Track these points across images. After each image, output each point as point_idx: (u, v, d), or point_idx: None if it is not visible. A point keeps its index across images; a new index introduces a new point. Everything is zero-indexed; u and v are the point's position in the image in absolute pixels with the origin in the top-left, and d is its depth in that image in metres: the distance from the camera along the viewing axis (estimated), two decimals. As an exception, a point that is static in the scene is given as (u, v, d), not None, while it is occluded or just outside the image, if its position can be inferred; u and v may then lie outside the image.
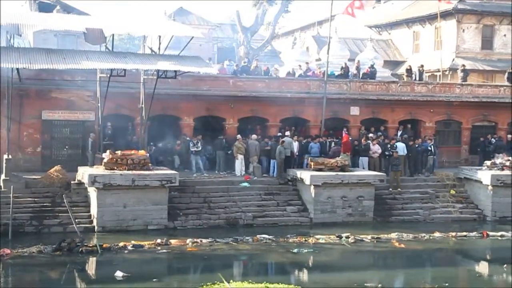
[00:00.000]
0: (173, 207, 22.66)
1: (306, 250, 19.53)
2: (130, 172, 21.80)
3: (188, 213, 22.78)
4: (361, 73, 31.12)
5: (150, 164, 22.80)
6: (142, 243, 19.46)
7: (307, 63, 31.73)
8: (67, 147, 25.54)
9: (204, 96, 26.88)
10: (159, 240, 19.70)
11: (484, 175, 25.08)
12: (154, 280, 16.20)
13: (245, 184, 24.71)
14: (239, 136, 26.12)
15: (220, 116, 27.79)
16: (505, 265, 18.43)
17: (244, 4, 41.62)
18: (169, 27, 26.42)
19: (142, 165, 22.35)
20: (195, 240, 20.06)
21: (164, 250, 19.14)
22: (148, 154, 23.35)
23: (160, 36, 24.97)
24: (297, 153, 26.19)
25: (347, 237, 21.00)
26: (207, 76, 26.80)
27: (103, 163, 22.36)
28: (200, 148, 25.89)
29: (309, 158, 25.37)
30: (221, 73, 28.70)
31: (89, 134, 24.76)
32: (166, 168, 23.51)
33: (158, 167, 23.59)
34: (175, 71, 23.53)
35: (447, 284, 16.22)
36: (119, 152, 22.61)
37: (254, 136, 26.28)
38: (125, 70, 22.68)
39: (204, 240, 20.11)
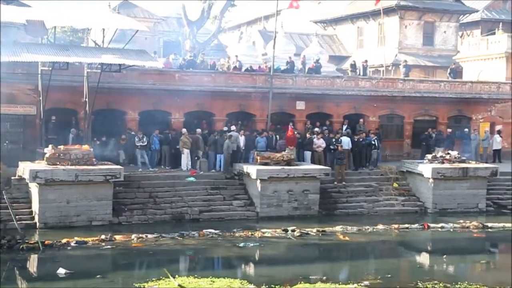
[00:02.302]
0: (118, 202, 22.36)
1: (252, 244, 19.60)
2: (73, 167, 21.36)
3: (133, 208, 22.53)
4: (306, 68, 31.41)
5: (94, 159, 22.42)
6: (85, 239, 19.14)
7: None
8: (7, 141, 24.84)
9: (150, 90, 26.60)
10: (103, 236, 19.41)
11: (425, 168, 25.66)
12: (98, 276, 15.94)
13: (191, 178, 24.61)
14: (184, 130, 25.97)
15: (166, 111, 27.56)
16: (444, 256, 18.98)
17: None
18: (113, 20, 26.01)
19: (86, 160, 21.96)
20: (140, 235, 19.84)
21: (109, 246, 18.88)
22: (92, 149, 22.94)
23: (104, 29, 24.55)
24: (243, 148, 26.25)
25: (293, 231, 21.16)
26: (153, 70, 26.57)
27: (45, 158, 21.88)
28: (145, 143, 25.62)
29: (256, 153, 25.47)
30: (166, 67, 28.44)
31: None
32: (110, 163, 23.14)
33: (103, 162, 23.21)
34: (120, 65, 23.21)
35: (389, 276, 16.54)
36: (61, 147, 22.16)
37: (198, 131, 26.18)
38: (67, 63, 22.22)
39: (149, 236, 19.92)
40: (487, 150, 31.14)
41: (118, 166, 22.72)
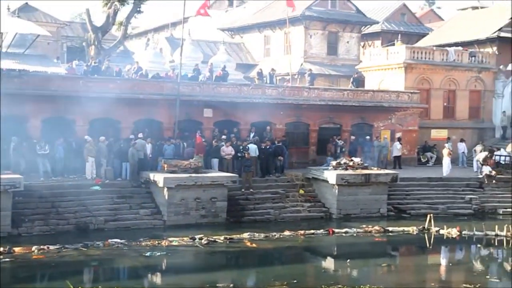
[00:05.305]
0: (18, 213, 21.51)
1: (159, 253, 19.38)
2: (-32, 177, 20.39)
3: (34, 219, 21.72)
4: (214, 76, 31.45)
5: (-9, 168, 21.44)
6: (-18, 252, 18.28)
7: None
8: None
9: (52, 96, 25.73)
10: (1, 249, 18.58)
11: (330, 175, 26.27)
12: (-4, 291, 15.29)
13: (96, 187, 24.04)
14: (89, 138, 25.31)
15: (70, 118, 26.74)
16: (348, 260, 19.50)
17: (95, 3, 40.46)
18: (12, 24, 25.09)
19: (-18, 169, 20.98)
20: (41, 247, 19.15)
21: (7, 259, 18.10)
22: (-11, 158, 21.94)
23: (2, 33, 23.59)
24: (150, 155, 25.91)
25: (201, 239, 21.09)
26: (55, 76, 25.73)
27: None
28: (48, 151, 24.75)
29: (163, 160, 25.21)
30: (70, 73, 27.65)
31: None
32: (10, 172, 22.19)
33: (1, 171, 22.19)
34: (19, 70, 22.36)
35: (296, 281, 16.82)
36: (-45, 156, 21.07)
37: (102, 138, 25.59)
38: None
39: (51, 247, 19.26)
40: (387, 157, 32.23)
41: (18, 175, 21.83)
